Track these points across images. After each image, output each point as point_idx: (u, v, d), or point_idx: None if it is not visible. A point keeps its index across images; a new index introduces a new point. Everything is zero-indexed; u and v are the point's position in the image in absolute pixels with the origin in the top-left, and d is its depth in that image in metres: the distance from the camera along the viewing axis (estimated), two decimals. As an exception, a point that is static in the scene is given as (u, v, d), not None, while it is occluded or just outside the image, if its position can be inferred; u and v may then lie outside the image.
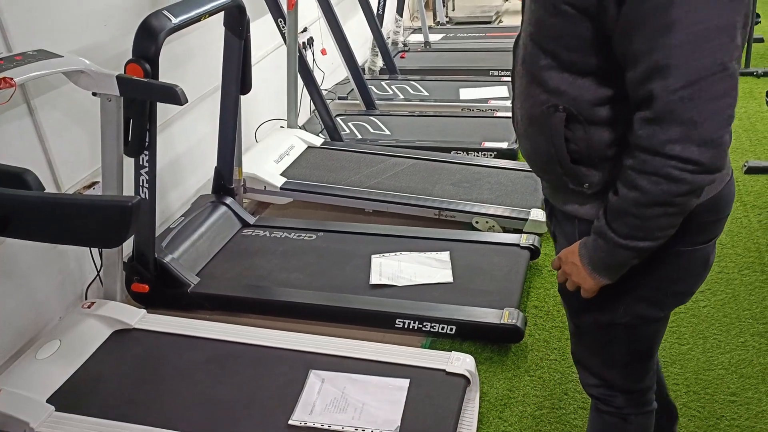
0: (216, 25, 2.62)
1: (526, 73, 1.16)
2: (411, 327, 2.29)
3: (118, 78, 1.89)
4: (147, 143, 2.14)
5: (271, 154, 3.30)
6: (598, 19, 1.02)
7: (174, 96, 1.86)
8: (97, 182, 2.41)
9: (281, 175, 3.19)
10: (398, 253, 2.63)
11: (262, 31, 3.49)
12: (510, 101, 4.13)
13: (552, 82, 1.12)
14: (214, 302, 2.46)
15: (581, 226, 1.23)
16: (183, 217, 2.74)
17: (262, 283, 2.52)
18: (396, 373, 1.95)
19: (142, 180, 2.23)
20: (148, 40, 2.00)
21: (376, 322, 2.33)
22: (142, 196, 2.26)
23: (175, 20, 2.09)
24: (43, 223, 1.20)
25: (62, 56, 1.85)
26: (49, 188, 2.26)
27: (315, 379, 1.96)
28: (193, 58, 2.93)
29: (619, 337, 1.32)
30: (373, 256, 2.62)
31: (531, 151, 1.23)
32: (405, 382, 1.91)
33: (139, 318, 2.21)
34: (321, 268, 2.60)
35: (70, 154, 2.32)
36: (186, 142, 3.00)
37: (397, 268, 2.54)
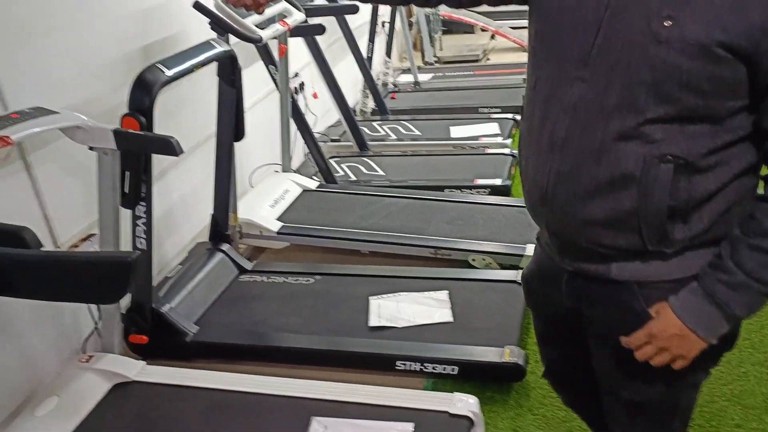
0: (206, 75, 2.67)
1: (608, 130, 1.04)
2: (412, 369, 2.27)
3: (115, 132, 1.91)
4: (143, 194, 2.15)
5: (267, 198, 3.31)
6: (755, 59, 0.96)
7: (170, 147, 1.88)
8: (93, 234, 2.41)
9: (277, 219, 3.20)
10: (396, 294, 2.63)
11: (253, 78, 3.55)
12: (502, 138, 4.23)
13: (657, 133, 1.02)
14: (214, 350, 2.44)
15: (647, 292, 1.14)
16: (180, 266, 2.74)
17: (261, 329, 2.50)
18: (399, 416, 1.93)
19: (139, 231, 2.23)
20: (143, 93, 2.03)
21: (377, 364, 2.31)
22: (139, 246, 2.26)
23: (168, 73, 2.12)
24: (43, 282, 1.20)
25: (58, 113, 1.87)
26: (46, 242, 2.26)
27: (317, 425, 1.94)
28: (185, 108, 2.97)
29: (681, 403, 1.25)
30: (371, 297, 2.62)
31: (600, 216, 1.08)
32: (409, 426, 1.89)
33: (138, 370, 2.19)
34: (319, 312, 2.59)
35: (66, 207, 2.33)
36: (181, 190, 3.01)
37: (396, 309, 2.53)
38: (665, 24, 0.97)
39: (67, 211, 2.33)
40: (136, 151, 1.98)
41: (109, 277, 1.16)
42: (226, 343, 2.43)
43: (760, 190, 1.11)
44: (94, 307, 2.37)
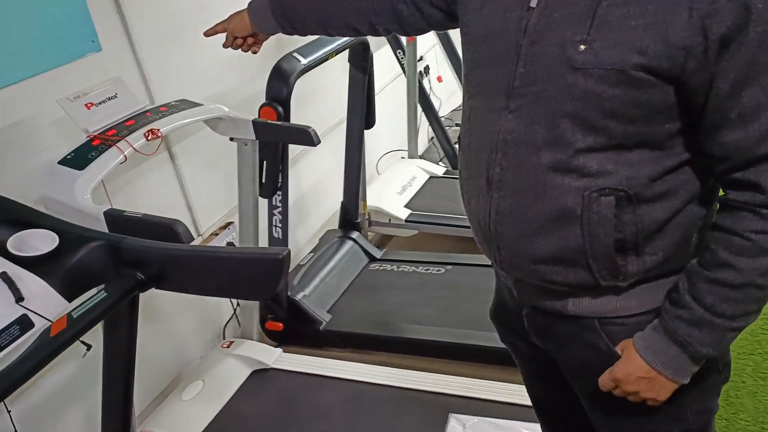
0: (335, 61, 2.64)
1: (541, 165, 0.96)
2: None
3: (254, 122, 1.92)
4: (280, 184, 2.16)
5: (394, 185, 3.27)
6: (683, 80, 0.87)
7: (308, 137, 1.86)
8: (231, 222, 2.47)
9: (405, 206, 3.15)
10: (532, 287, 2.50)
11: (380, 63, 3.50)
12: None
13: (593, 165, 0.94)
14: (346, 339, 2.43)
15: (610, 328, 1.05)
16: (312, 253, 2.76)
17: (392, 319, 2.47)
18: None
19: (275, 220, 2.26)
20: (281, 82, 2.03)
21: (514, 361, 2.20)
22: (275, 235, 2.29)
23: (304, 61, 2.11)
24: (196, 277, 1.21)
25: (202, 104, 1.90)
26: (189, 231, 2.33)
27: (455, 423, 1.87)
28: (315, 95, 2.97)
29: None
30: (505, 289, 2.50)
31: (546, 254, 1.01)
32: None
33: (275, 357, 2.22)
34: (451, 303, 2.51)
35: (206, 197, 2.39)
36: (311, 178, 3.03)
37: (533, 303, 2.41)
38: (579, 49, 0.89)
39: (207, 200, 2.40)
40: (275, 141, 1.98)
41: (260, 273, 1.14)
42: (358, 332, 2.41)
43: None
44: (233, 293, 2.43)
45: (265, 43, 1.52)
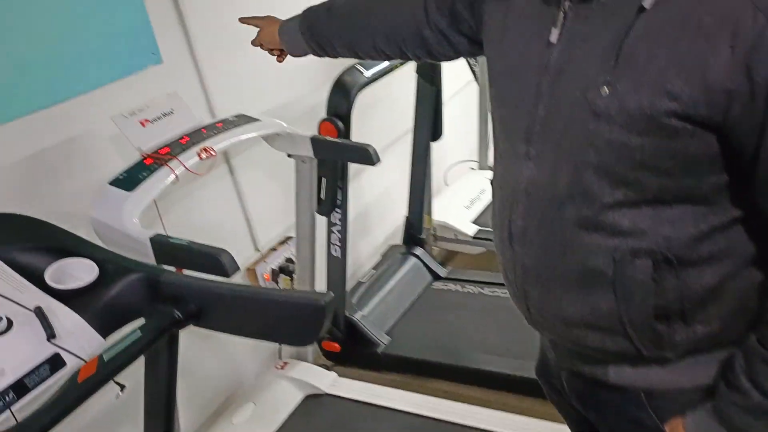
0: (402, 70, 2.53)
1: (565, 220, 0.85)
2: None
3: (312, 139, 1.83)
4: (339, 201, 2.07)
5: (462, 199, 3.13)
6: (727, 127, 0.74)
7: (367, 156, 1.76)
8: (291, 237, 2.40)
9: (473, 222, 3.00)
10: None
11: (449, 71, 3.36)
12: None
13: (625, 222, 0.82)
14: (405, 365, 2.32)
15: (657, 403, 0.92)
16: (373, 270, 2.66)
17: (456, 345, 2.33)
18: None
19: (334, 238, 2.17)
20: (342, 97, 1.94)
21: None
22: (334, 253, 2.20)
23: (367, 74, 2.01)
24: (235, 317, 1.13)
25: (260, 120, 1.83)
26: (247, 245, 2.28)
27: (519, 469, 1.72)
28: (380, 104, 2.87)
29: None
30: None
31: (577, 317, 0.90)
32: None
33: (330, 382, 2.13)
34: (521, 331, 2.33)
35: (266, 210, 2.33)
36: (375, 189, 2.93)
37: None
38: (602, 92, 0.78)
39: (266, 214, 2.33)
40: (333, 159, 1.89)
41: (301, 319, 1.04)
42: (418, 358, 2.29)
43: None
44: (290, 311, 2.36)
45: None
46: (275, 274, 2.29)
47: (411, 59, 1.28)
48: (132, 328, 1.10)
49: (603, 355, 0.93)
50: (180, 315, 1.12)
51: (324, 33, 1.32)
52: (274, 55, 1.49)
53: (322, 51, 1.36)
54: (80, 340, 1.10)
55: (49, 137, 1.61)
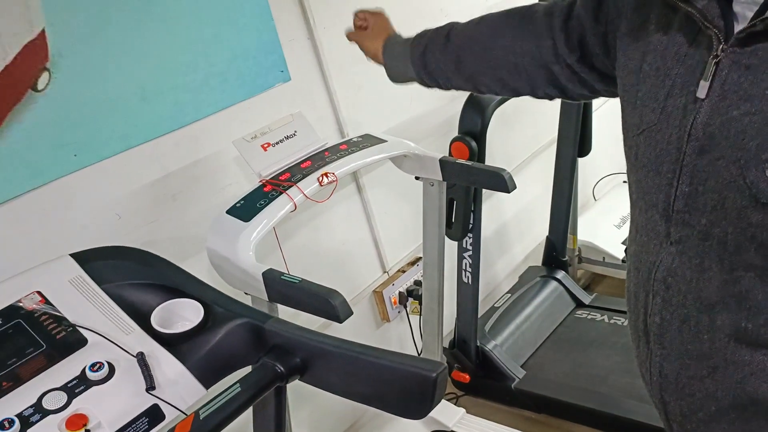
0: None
1: (716, 329, 0.68)
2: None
3: (441, 161, 1.68)
4: (471, 225, 1.91)
5: (612, 217, 2.83)
6: None
7: (501, 183, 1.58)
8: (420, 258, 2.28)
9: (623, 243, 2.70)
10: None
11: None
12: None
13: None
14: (541, 403, 2.11)
15: None
16: (509, 294, 2.47)
17: (599, 387, 2.08)
18: None
19: (465, 264, 2.01)
20: (476, 115, 1.78)
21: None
22: (465, 280, 2.05)
23: (505, 88, 1.82)
24: (341, 377, 1.03)
25: (386, 140, 1.72)
26: (375, 266, 2.19)
27: None
28: (522, 113, 2.66)
29: None
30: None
31: None
32: None
33: (457, 419, 1.98)
34: (676, 375, 2.06)
35: (395, 230, 2.22)
36: (515, 205, 2.73)
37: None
38: None
39: (395, 234, 2.23)
40: (463, 184, 1.73)
41: (408, 390, 0.91)
42: (555, 398, 2.08)
43: None
44: (417, 337, 2.24)
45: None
46: (403, 298, 2.18)
47: (543, 98, 1.10)
48: (233, 379, 1.03)
49: None
50: (282, 369, 1.03)
51: (440, 63, 1.16)
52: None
53: (432, 82, 1.22)
54: (181, 390, 1.05)
55: (174, 161, 1.60)
